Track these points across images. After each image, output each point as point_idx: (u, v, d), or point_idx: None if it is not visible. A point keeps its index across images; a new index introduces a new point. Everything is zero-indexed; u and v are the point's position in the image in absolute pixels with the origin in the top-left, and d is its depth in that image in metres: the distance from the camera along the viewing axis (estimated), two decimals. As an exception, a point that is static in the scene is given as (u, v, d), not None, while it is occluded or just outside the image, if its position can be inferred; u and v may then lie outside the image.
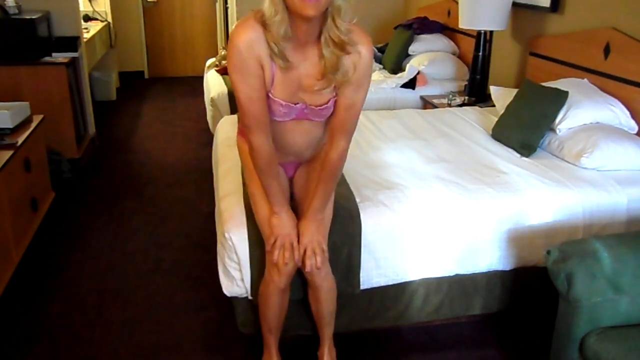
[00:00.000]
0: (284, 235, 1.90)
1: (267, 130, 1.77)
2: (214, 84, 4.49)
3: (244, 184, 2.31)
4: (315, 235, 1.91)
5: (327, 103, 1.76)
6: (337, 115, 1.78)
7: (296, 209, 2.00)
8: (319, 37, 1.65)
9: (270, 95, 1.71)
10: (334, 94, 1.75)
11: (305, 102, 1.75)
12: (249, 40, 1.61)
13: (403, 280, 2.26)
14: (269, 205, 1.91)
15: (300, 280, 2.08)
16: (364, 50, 1.68)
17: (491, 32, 3.85)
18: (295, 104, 1.75)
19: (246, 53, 1.62)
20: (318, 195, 1.89)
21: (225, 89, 4.29)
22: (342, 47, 1.64)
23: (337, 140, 1.81)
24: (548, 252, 1.89)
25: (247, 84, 1.66)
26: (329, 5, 1.57)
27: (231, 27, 6.11)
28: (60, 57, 3.92)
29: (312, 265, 1.91)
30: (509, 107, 3.07)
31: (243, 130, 1.93)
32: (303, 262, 1.92)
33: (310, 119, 1.81)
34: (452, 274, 2.30)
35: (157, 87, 6.68)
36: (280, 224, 1.90)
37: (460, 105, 3.82)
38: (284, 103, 1.73)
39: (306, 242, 1.90)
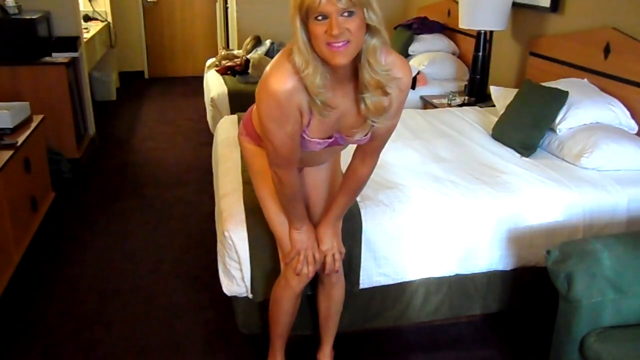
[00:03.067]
0: (306, 248, 1.89)
1: (295, 167, 1.74)
2: (214, 84, 4.49)
3: (244, 183, 2.31)
4: (333, 240, 1.92)
5: (365, 136, 1.68)
6: (375, 142, 1.71)
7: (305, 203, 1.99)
8: (355, 71, 1.54)
9: (305, 135, 1.64)
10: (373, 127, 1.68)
11: (341, 133, 1.68)
12: (287, 90, 1.51)
13: (403, 280, 2.26)
14: (289, 221, 1.89)
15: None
16: (403, 77, 1.57)
17: (491, 32, 3.85)
18: (330, 138, 1.69)
19: (286, 103, 1.52)
20: (339, 205, 1.88)
21: (225, 89, 4.29)
22: (382, 89, 1.53)
23: (369, 159, 1.77)
24: (548, 252, 1.89)
25: (283, 131, 1.58)
26: (362, 46, 1.47)
27: (231, 27, 6.11)
28: (60, 57, 3.93)
29: (331, 270, 1.93)
30: (509, 107, 3.07)
31: (246, 132, 1.91)
32: (322, 265, 1.93)
33: (343, 145, 1.76)
34: (452, 274, 2.30)
35: (157, 87, 6.68)
36: (303, 238, 1.88)
37: (460, 105, 3.82)
38: (320, 141, 1.67)
39: (326, 249, 1.91)
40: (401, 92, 1.59)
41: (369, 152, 1.76)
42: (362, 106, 1.56)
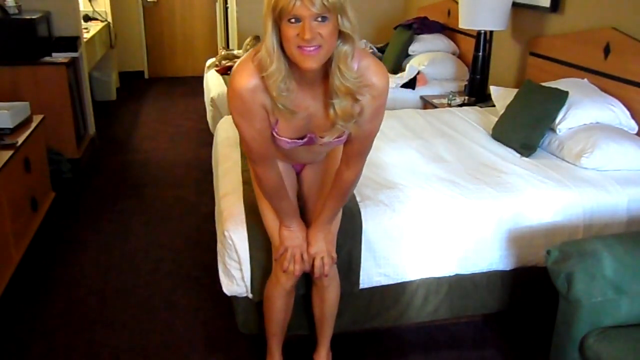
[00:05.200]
0: (294, 246, 1.89)
1: (273, 163, 1.75)
2: (214, 84, 4.49)
3: (244, 183, 2.31)
4: (324, 244, 1.90)
5: (337, 139, 1.67)
6: (354, 145, 1.70)
7: (302, 208, 2.00)
8: (326, 74, 1.53)
9: (274, 134, 1.65)
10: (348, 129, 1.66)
11: (314, 134, 1.68)
12: (249, 89, 1.52)
13: (403, 280, 2.26)
14: (278, 218, 1.89)
15: (303, 278, 2.07)
16: (376, 83, 1.54)
17: (491, 32, 3.85)
18: (302, 138, 1.69)
19: (248, 100, 1.54)
20: (328, 209, 1.87)
21: (225, 89, 4.29)
22: (352, 96, 1.52)
23: (353, 163, 1.76)
24: (548, 252, 1.89)
25: (250, 126, 1.60)
26: (333, 52, 1.46)
27: (231, 27, 6.11)
28: (60, 57, 3.93)
29: (321, 273, 1.92)
30: (509, 107, 3.07)
31: None
32: (312, 268, 1.92)
33: (319, 145, 1.74)
34: (452, 274, 2.30)
35: (157, 87, 6.68)
36: (291, 235, 1.89)
37: (460, 105, 3.82)
38: (289, 140, 1.67)
39: (314, 252, 1.90)
40: (374, 99, 1.56)
41: (352, 156, 1.74)
42: (331, 111, 1.55)
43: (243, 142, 1.69)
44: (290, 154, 1.82)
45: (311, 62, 1.42)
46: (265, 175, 1.75)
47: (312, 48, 1.40)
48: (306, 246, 1.90)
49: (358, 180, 1.83)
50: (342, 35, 1.45)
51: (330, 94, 1.54)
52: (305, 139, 1.69)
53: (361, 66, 1.52)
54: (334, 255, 1.95)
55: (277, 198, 1.82)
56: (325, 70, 1.51)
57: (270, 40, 1.45)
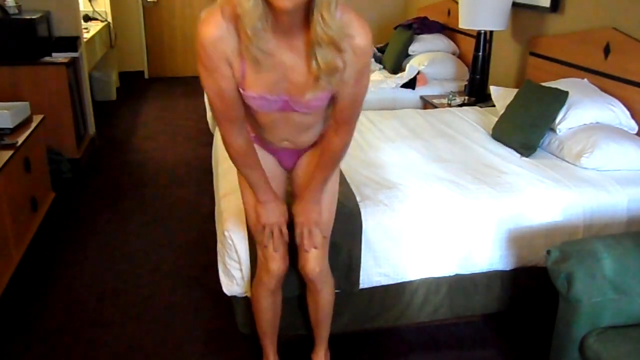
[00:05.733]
0: (271, 223, 1.81)
1: (239, 125, 1.63)
2: (214, 84, 4.48)
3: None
4: (311, 215, 1.81)
5: (317, 97, 1.55)
6: (340, 110, 1.60)
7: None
8: (306, 23, 1.41)
9: (241, 90, 1.53)
10: (330, 90, 1.54)
11: (289, 94, 1.54)
12: (213, 39, 1.43)
13: (403, 280, 2.26)
14: (254, 193, 1.80)
15: (297, 279, 2.08)
16: (358, 39, 1.43)
17: (491, 32, 3.85)
18: (274, 97, 1.54)
19: (212, 52, 1.45)
20: (316, 179, 1.78)
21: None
22: (335, 46, 1.41)
23: (341, 130, 1.66)
24: (548, 252, 1.89)
25: (213, 80, 1.50)
26: None
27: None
28: (60, 57, 3.92)
29: (304, 245, 1.83)
30: (509, 107, 3.07)
31: None
32: (300, 256, 1.86)
33: (298, 112, 1.60)
34: (452, 274, 2.30)
35: (157, 87, 6.68)
36: (267, 213, 1.80)
37: (460, 105, 3.82)
38: (256, 95, 1.53)
39: (300, 222, 1.81)
40: (357, 58, 1.45)
41: (341, 123, 1.64)
42: (314, 63, 1.43)
43: (208, 99, 1.60)
44: (267, 127, 1.69)
45: (286, 1, 1.29)
46: (231, 139, 1.64)
47: None
48: (284, 221, 1.83)
49: (347, 147, 1.73)
50: None
51: (311, 44, 1.42)
52: (280, 102, 1.56)
53: (343, 20, 1.40)
54: (325, 229, 1.86)
55: (246, 167, 1.73)
56: (304, 19, 1.40)
57: None
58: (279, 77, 1.49)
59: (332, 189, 1.88)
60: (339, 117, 1.63)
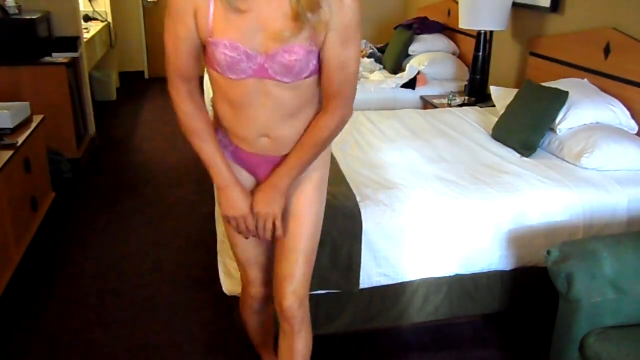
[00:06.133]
0: (236, 217, 1.53)
1: (192, 87, 1.46)
2: (214, 84, 4.48)
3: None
4: (272, 205, 1.50)
5: (296, 51, 1.34)
6: (329, 77, 1.40)
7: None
8: None
9: (208, 37, 1.35)
10: (311, 45, 1.35)
11: (265, 50, 1.34)
12: None
13: (403, 280, 2.26)
14: (212, 178, 1.53)
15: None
16: None
17: (491, 32, 3.85)
18: (248, 50, 1.34)
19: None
20: (288, 163, 1.49)
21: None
22: None
23: (333, 106, 1.44)
24: (548, 252, 1.89)
25: (174, 30, 1.36)
26: None
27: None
28: (60, 57, 3.92)
29: (264, 237, 1.55)
30: (509, 107, 3.07)
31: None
32: (276, 288, 1.59)
33: (276, 78, 1.37)
34: (452, 274, 2.30)
35: (157, 87, 6.68)
36: (228, 202, 1.51)
37: (460, 105, 3.82)
38: (227, 43, 1.33)
39: (258, 212, 1.51)
40: (341, 10, 1.32)
41: (332, 96, 1.43)
42: (293, 2, 1.29)
43: (166, 53, 1.42)
44: (240, 109, 1.45)
45: None
46: (180, 102, 1.46)
47: None
48: (248, 212, 1.53)
49: (337, 130, 1.49)
50: None
51: None
52: (254, 63, 1.35)
53: None
54: (306, 251, 1.59)
55: (195, 136, 1.49)
56: None
57: None
58: (253, 23, 1.32)
59: (317, 196, 1.60)
60: (328, 87, 1.43)
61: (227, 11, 1.31)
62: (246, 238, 1.60)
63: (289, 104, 1.43)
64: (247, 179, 1.59)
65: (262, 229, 1.52)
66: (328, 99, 1.45)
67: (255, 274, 1.73)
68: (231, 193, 1.51)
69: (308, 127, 1.48)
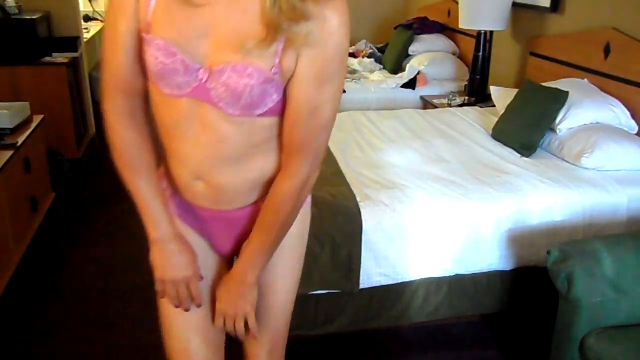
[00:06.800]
0: (177, 280, 1.19)
1: (136, 104, 1.13)
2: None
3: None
4: (238, 302, 1.21)
5: (249, 73, 0.99)
6: (294, 124, 1.06)
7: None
8: None
9: (143, 35, 1.04)
10: (274, 70, 1.00)
11: (208, 61, 1.02)
12: None
13: (403, 280, 2.26)
14: (144, 224, 1.22)
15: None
16: (331, 16, 0.96)
17: (491, 32, 3.85)
18: (186, 57, 1.01)
19: None
20: (251, 248, 1.18)
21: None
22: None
23: (294, 165, 1.10)
24: (548, 252, 1.89)
25: (114, 20, 1.06)
26: None
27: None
28: (60, 57, 3.92)
29: (241, 335, 1.28)
30: (509, 107, 3.07)
31: None
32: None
33: (218, 105, 1.03)
34: (452, 274, 2.30)
35: (157, 87, 6.68)
36: (167, 260, 1.20)
37: (460, 105, 3.82)
38: (162, 42, 1.01)
39: (223, 311, 1.23)
40: (322, 37, 0.97)
41: (293, 150, 1.09)
42: (268, 3, 0.94)
43: (103, 55, 1.10)
44: (172, 135, 1.12)
45: None
46: (118, 125, 1.13)
47: None
48: (193, 275, 1.21)
49: (304, 197, 1.17)
50: None
51: None
52: (194, 78, 1.03)
53: None
54: (279, 321, 1.33)
55: (133, 172, 1.18)
56: None
57: None
58: (201, 22, 1.00)
59: (293, 251, 1.30)
60: (291, 137, 1.08)
61: (172, 1, 1.00)
62: (186, 310, 1.23)
63: (231, 145, 1.09)
64: (198, 245, 1.24)
65: (231, 329, 1.25)
66: (289, 153, 1.10)
67: None
68: (171, 247, 1.19)
69: (265, 193, 1.15)
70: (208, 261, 1.27)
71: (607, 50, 2.96)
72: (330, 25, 0.96)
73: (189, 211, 1.22)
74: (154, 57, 1.02)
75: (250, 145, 1.10)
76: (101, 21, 5.71)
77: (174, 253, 1.19)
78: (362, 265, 2.18)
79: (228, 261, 1.29)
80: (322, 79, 1.01)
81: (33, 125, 3.14)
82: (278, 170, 1.14)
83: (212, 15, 0.99)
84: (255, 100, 1.02)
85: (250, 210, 1.19)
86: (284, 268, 1.28)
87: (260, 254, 1.18)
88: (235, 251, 1.24)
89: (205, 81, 1.02)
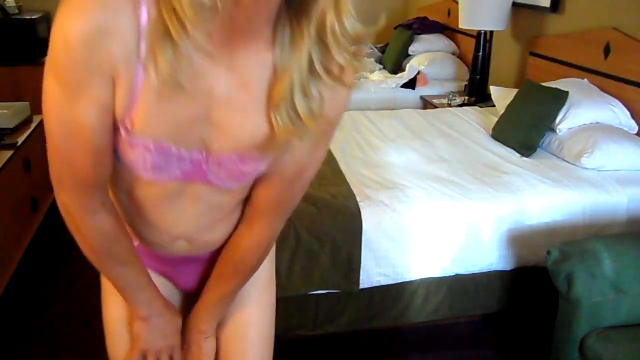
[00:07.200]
0: (160, 350, 1.09)
1: (103, 193, 0.91)
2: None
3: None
4: (202, 348, 1.12)
5: (257, 159, 0.88)
6: (276, 184, 0.94)
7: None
8: (271, 24, 0.79)
9: (123, 129, 0.81)
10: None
11: (207, 147, 0.86)
12: (90, 34, 0.73)
13: (403, 280, 2.26)
14: (129, 305, 1.07)
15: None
16: (342, 89, 0.85)
17: (491, 32, 3.85)
18: (182, 152, 0.85)
19: (83, 57, 0.75)
20: (209, 300, 1.10)
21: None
22: (335, 78, 0.81)
23: (263, 222, 1.01)
24: (548, 252, 1.89)
25: (72, 109, 0.78)
26: None
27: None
28: (60, 57, 3.92)
29: None
30: (509, 107, 3.07)
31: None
32: None
33: (215, 184, 0.91)
34: (452, 274, 2.30)
35: (157, 87, 6.68)
36: (151, 333, 1.08)
37: (460, 105, 3.82)
38: (152, 146, 0.82)
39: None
40: (334, 98, 0.85)
41: (265, 208, 0.99)
42: (284, 112, 0.80)
43: (47, 138, 0.86)
44: (151, 211, 0.96)
45: None
46: (89, 220, 0.92)
47: None
48: (177, 343, 1.12)
49: (267, 249, 1.07)
50: None
51: (275, 46, 0.79)
52: (188, 164, 0.87)
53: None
54: None
55: (116, 262, 1.00)
56: (273, 10, 0.77)
57: None
58: (199, 110, 0.82)
59: (264, 318, 1.19)
60: (267, 197, 0.97)
61: (163, 87, 0.76)
62: None
63: (223, 209, 0.99)
64: (163, 285, 1.11)
65: None
66: (260, 210, 0.99)
67: None
68: (160, 320, 1.08)
69: (227, 244, 1.05)
70: (174, 299, 1.16)
71: (607, 50, 2.95)
72: (340, 97, 0.87)
73: (154, 257, 1.08)
74: (141, 159, 0.83)
75: (236, 203, 1.00)
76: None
77: (163, 324, 1.08)
78: (362, 265, 2.18)
79: (193, 296, 1.16)
80: (317, 143, 0.91)
81: (33, 125, 3.14)
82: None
83: (211, 97, 0.81)
84: (257, 174, 0.92)
85: (219, 249, 1.08)
86: (257, 304, 1.17)
87: (218, 305, 1.10)
88: (195, 288, 1.15)
89: (202, 164, 0.87)
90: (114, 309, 1.13)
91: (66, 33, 0.75)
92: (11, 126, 2.98)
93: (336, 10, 0.74)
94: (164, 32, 0.72)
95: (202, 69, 0.78)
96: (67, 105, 0.78)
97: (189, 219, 0.97)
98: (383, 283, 2.25)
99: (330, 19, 0.74)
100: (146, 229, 1.01)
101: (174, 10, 0.70)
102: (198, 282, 1.15)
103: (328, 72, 0.79)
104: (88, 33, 0.73)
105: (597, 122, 2.78)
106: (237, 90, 0.82)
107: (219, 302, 1.10)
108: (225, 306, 1.11)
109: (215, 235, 1.04)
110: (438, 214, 2.24)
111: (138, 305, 1.05)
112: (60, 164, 0.88)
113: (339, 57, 0.77)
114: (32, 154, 3.08)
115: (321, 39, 0.76)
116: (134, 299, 1.05)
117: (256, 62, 0.80)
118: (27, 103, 3.25)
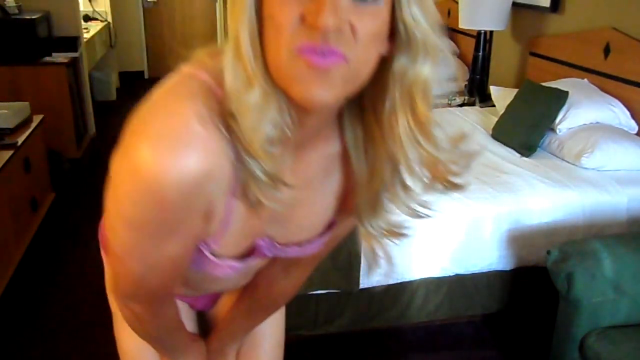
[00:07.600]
0: None
1: (170, 299, 0.93)
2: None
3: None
4: None
5: (321, 241, 0.91)
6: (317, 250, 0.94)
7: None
8: (338, 125, 0.80)
9: (208, 253, 0.81)
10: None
11: (280, 242, 0.87)
12: (194, 179, 0.67)
13: (403, 280, 2.26)
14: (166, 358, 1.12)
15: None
16: None
17: (491, 32, 3.84)
18: (250, 255, 0.86)
19: (183, 202, 0.69)
20: (234, 329, 1.14)
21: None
22: (441, 179, 0.85)
23: (299, 271, 1.04)
24: (548, 252, 1.89)
25: (164, 244, 0.74)
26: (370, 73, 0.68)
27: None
28: (60, 57, 3.92)
29: None
30: (509, 107, 3.07)
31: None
32: None
33: (271, 259, 0.94)
34: (452, 274, 2.30)
35: (157, 87, 6.68)
36: None
37: (461, 105, 3.82)
38: (236, 264, 0.85)
39: None
40: None
41: (304, 261, 1.00)
42: (365, 175, 0.83)
43: (121, 269, 0.82)
44: (199, 281, 0.96)
45: (321, 89, 0.63)
46: (155, 318, 0.93)
47: (328, 57, 0.62)
48: None
49: (294, 295, 1.11)
50: (402, 40, 0.71)
51: (344, 139, 0.80)
52: (256, 252, 0.87)
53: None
54: None
55: (168, 337, 1.03)
56: (334, 122, 0.79)
57: (247, 28, 0.67)
58: (279, 218, 0.82)
59: (276, 332, 1.25)
60: (306, 258, 0.97)
61: (250, 210, 0.75)
62: None
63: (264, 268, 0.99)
64: (180, 308, 1.05)
65: None
66: (300, 263, 1.00)
67: None
68: (192, 357, 1.12)
69: (260, 283, 1.03)
70: (189, 315, 1.19)
71: (607, 50, 2.95)
72: None
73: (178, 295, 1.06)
74: (223, 273, 0.85)
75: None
76: (101, 21, 5.71)
77: (192, 358, 1.12)
78: (362, 265, 2.18)
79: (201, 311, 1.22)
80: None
81: (33, 125, 3.14)
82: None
83: (286, 211, 0.78)
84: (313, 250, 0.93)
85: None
86: (272, 320, 1.20)
87: (242, 333, 1.16)
88: (210, 306, 1.20)
89: (266, 250, 0.87)
90: (130, 341, 1.18)
91: (161, 178, 0.66)
92: (11, 126, 2.98)
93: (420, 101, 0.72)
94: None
95: (293, 176, 0.76)
96: (154, 249, 0.74)
97: (230, 283, 1.00)
98: (383, 283, 2.25)
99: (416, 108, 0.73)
100: (185, 288, 1.00)
101: (249, 151, 0.67)
102: (214, 303, 1.18)
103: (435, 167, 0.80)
104: (196, 178, 0.66)
105: (597, 122, 2.78)
106: (304, 186, 0.80)
107: (244, 332, 1.15)
108: (246, 333, 1.16)
109: (247, 282, 1.04)
110: (438, 214, 2.23)
111: (177, 355, 1.09)
112: (133, 286, 0.83)
113: (438, 151, 0.78)
114: (32, 154, 3.08)
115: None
116: (174, 353, 1.09)
117: (322, 156, 0.81)
118: (27, 103, 3.26)
